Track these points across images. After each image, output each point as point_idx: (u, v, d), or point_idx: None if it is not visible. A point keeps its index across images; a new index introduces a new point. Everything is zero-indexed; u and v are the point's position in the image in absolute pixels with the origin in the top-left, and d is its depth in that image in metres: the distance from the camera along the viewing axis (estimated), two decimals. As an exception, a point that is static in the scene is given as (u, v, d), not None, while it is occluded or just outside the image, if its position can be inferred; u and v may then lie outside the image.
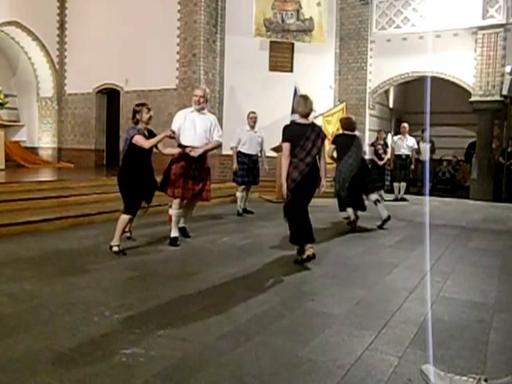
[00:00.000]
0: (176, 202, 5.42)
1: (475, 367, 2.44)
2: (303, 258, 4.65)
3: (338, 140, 6.81)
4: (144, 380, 2.24)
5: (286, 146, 4.70)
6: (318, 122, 11.08)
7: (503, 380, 2.08)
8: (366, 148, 11.98)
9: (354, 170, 6.52)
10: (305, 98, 4.94)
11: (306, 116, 4.87)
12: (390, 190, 11.13)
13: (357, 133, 6.97)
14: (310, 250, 4.64)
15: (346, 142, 6.68)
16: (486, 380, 2.03)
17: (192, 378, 2.28)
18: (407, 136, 10.80)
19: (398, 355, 2.58)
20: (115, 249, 4.86)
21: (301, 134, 4.72)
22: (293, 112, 10.48)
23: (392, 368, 2.42)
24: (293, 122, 5.10)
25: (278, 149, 7.95)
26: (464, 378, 2.08)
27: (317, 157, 4.74)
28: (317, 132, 4.80)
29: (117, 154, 13.22)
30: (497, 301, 3.62)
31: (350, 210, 6.65)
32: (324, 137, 4.88)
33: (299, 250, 4.80)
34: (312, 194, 4.84)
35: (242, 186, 7.90)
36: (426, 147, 12.16)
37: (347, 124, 6.89)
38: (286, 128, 4.82)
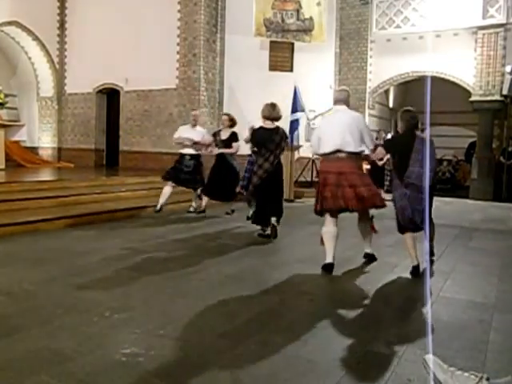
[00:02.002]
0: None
1: (475, 367, 2.43)
2: (263, 234, 5.74)
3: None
4: (144, 380, 2.23)
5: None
6: (318, 121, 11.12)
7: (503, 380, 2.07)
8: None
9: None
10: (273, 105, 5.66)
11: (271, 120, 5.61)
12: (390, 190, 11.12)
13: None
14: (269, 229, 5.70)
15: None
16: (488, 379, 2.02)
17: (192, 378, 2.27)
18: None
19: (398, 355, 2.57)
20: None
21: (266, 137, 5.55)
22: (292, 112, 10.52)
23: (392, 368, 2.42)
24: (260, 127, 5.73)
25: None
26: (466, 374, 2.07)
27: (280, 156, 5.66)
28: (280, 135, 5.62)
29: (116, 153, 13.26)
30: (497, 301, 3.61)
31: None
32: (286, 138, 5.81)
33: (261, 229, 5.81)
34: (279, 188, 5.74)
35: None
36: (426, 147, 12.14)
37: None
38: (254, 132, 5.74)
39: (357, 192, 4.30)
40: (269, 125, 5.64)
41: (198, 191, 7.62)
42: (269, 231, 5.76)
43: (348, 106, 4.59)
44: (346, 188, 4.28)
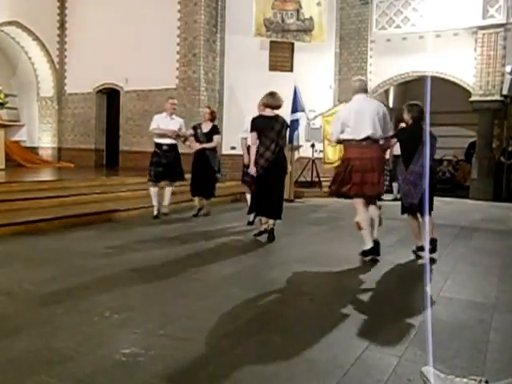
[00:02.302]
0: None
1: (475, 367, 2.43)
2: (260, 230, 5.72)
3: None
4: (144, 380, 2.23)
5: (254, 135, 5.48)
6: (318, 121, 11.12)
7: (503, 382, 2.06)
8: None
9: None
10: (272, 93, 5.56)
11: (273, 108, 5.51)
12: (389, 190, 11.12)
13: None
14: (265, 225, 5.63)
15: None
16: (486, 382, 2.01)
17: (192, 378, 2.27)
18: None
19: (398, 355, 2.57)
20: None
21: (266, 125, 5.43)
22: (292, 112, 10.50)
23: (392, 368, 2.42)
24: (259, 115, 5.65)
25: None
26: (464, 379, 2.06)
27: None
28: (281, 123, 5.50)
29: (116, 153, 13.25)
30: (497, 301, 3.61)
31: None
32: (287, 126, 5.70)
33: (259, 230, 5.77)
34: (280, 178, 5.59)
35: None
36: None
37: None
38: (253, 120, 5.53)
39: (380, 178, 4.66)
40: (269, 113, 5.52)
41: (173, 187, 7.37)
42: (263, 228, 5.72)
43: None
44: (375, 173, 4.60)
